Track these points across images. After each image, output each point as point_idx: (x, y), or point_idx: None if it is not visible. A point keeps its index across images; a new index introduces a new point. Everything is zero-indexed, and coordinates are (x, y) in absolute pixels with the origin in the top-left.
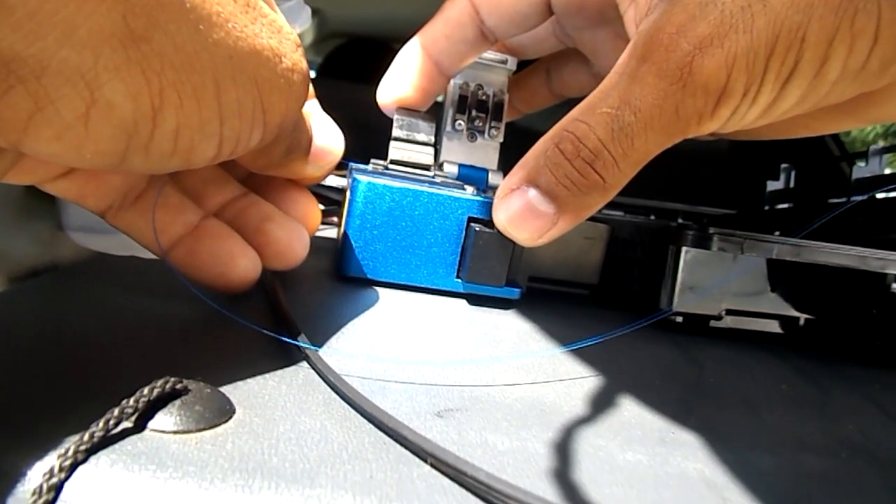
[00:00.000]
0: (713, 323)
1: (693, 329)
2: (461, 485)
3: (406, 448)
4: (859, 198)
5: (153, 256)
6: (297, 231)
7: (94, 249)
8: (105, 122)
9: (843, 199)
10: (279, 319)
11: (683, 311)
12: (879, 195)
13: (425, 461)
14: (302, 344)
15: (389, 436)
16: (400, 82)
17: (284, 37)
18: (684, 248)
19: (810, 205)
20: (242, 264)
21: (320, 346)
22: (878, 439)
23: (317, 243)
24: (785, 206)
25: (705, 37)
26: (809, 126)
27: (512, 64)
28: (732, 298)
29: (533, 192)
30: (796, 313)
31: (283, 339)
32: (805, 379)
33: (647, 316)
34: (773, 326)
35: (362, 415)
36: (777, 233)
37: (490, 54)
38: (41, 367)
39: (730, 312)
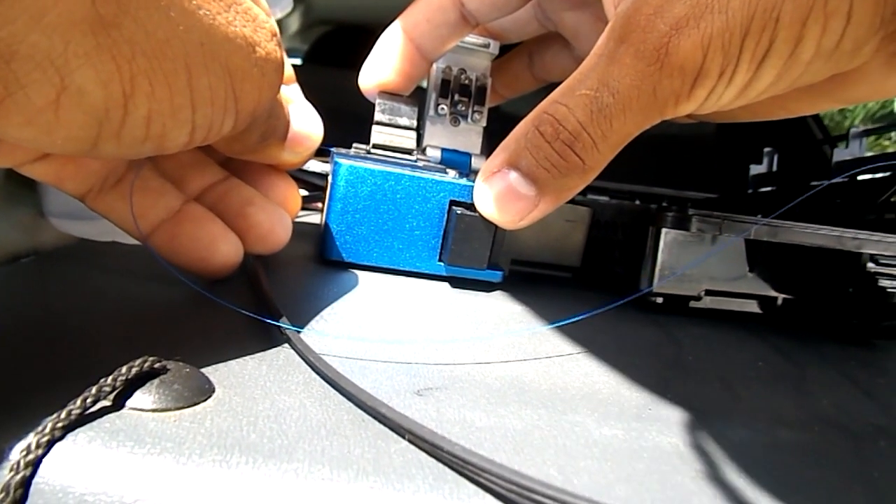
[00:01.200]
0: (693, 303)
1: (673, 309)
2: (438, 459)
3: (384, 425)
4: (838, 179)
5: (135, 242)
6: (278, 214)
7: (75, 235)
8: (76, 109)
9: (824, 182)
10: (261, 302)
11: (663, 291)
12: (861, 177)
13: (403, 437)
14: (283, 325)
15: (368, 413)
16: (382, 66)
17: (259, 25)
18: (664, 230)
19: (792, 188)
20: (224, 249)
21: (301, 327)
22: (851, 413)
23: (301, 229)
24: (768, 189)
25: (681, 18)
26: (786, 107)
27: (494, 48)
28: (711, 279)
29: (514, 175)
30: (774, 293)
31: (265, 319)
32: (782, 356)
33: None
34: (752, 307)
35: (341, 393)
36: (759, 216)
37: (472, 38)
38: (20, 348)
39: (709, 293)
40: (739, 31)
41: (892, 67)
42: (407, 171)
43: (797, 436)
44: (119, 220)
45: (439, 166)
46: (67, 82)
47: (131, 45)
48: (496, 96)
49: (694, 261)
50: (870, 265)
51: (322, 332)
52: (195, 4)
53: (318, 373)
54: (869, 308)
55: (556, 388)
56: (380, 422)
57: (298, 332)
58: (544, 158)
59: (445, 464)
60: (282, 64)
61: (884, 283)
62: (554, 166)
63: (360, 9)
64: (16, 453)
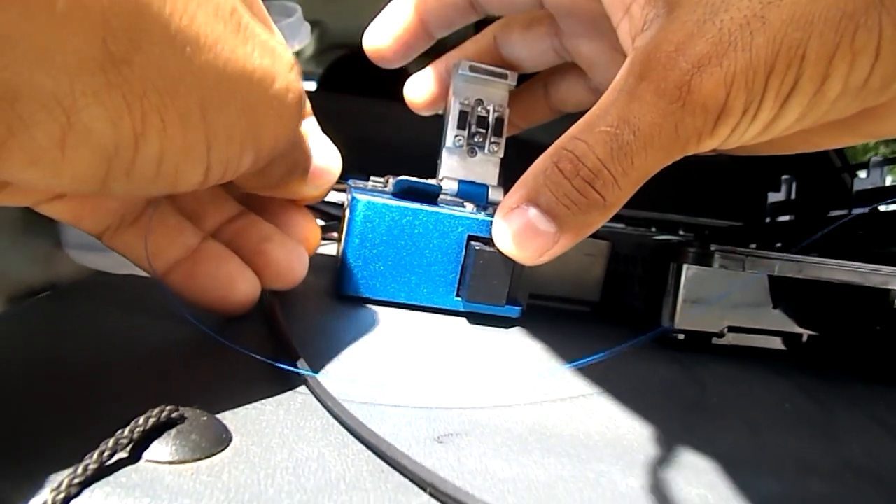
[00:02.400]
0: (715, 340)
1: (695, 346)
2: None
3: (405, 476)
4: (860, 210)
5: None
6: (296, 251)
7: (92, 268)
8: (83, 148)
9: (845, 212)
10: (277, 343)
11: (685, 327)
12: (881, 207)
13: (425, 490)
14: (302, 371)
15: (388, 463)
16: (382, 31)
17: (278, 57)
18: (685, 266)
19: (812, 217)
20: (242, 288)
21: (318, 371)
22: (884, 460)
23: (317, 260)
24: (787, 217)
25: (703, 55)
26: (810, 141)
27: (512, 79)
28: (734, 315)
29: (533, 212)
30: (799, 330)
31: (282, 366)
32: (808, 397)
33: (647, 332)
34: (776, 343)
35: (361, 441)
36: (778, 245)
37: (491, 69)
38: (35, 395)
39: (732, 329)
40: (764, 69)
41: None
42: (424, 207)
43: (829, 487)
44: (136, 259)
45: (457, 199)
46: (74, 121)
47: (143, 82)
48: (511, 127)
49: (719, 295)
50: None
51: (339, 377)
52: (212, 39)
53: (336, 419)
54: None
55: (579, 432)
56: (400, 473)
57: (315, 375)
58: (564, 195)
59: None
60: (301, 97)
61: None
62: (574, 203)
63: None
64: None
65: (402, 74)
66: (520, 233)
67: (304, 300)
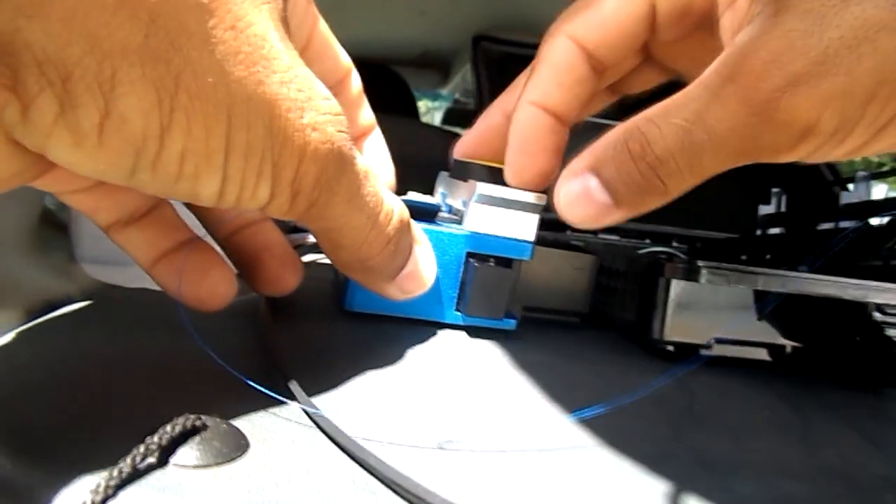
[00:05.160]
0: (703, 351)
1: (683, 357)
2: None
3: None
4: (848, 223)
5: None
6: (291, 262)
7: (105, 281)
8: (116, 135)
9: (832, 225)
10: (274, 371)
11: (674, 339)
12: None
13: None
14: (313, 411)
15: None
16: (530, 160)
17: (314, 97)
18: (674, 281)
19: (802, 230)
20: (220, 291)
21: (317, 393)
22: (858, 464)
23: (321, 274)
24: (777, 230)
25: (802, 74)
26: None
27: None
28: (721, 327)
29: (594, 182)
30: (783, 341)
31: (273, 395)
32: (789, 405)
33: (639, 345)
34: (762, 354)
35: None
36: (768, 257)
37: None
38: (63, 403)
39: (719, 341)
40: (864, 96)
41: None
42: (424, 225)
43: (804, 489)
44: (135, 255)
45: (455, 217)
46: (111, 108)
47: (176, 81)
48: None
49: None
50: (876, 314)
51: (334, 410)
52: (250, 60)
53: (347, 453)
54: (876, 357)
55: (568, 438)
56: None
57: (320, 413)
58: (626, 174)
59: None
60: (333, 141)
61: (890, 332)
62: (634, 183)
63: (373, 43)
64: None
65: (403, 88)
66: (576, 197)
67: (307, 313)
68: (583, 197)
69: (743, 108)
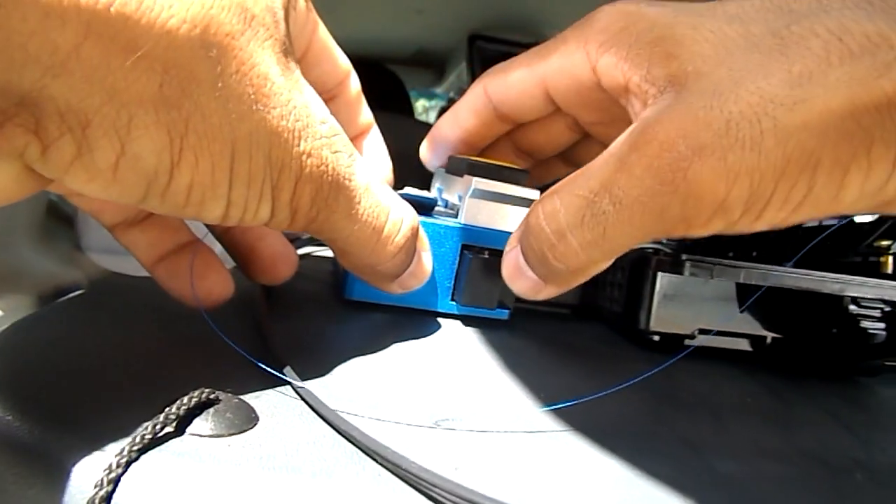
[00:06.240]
0: (687, 341)
1: (668, 347)
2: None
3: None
4: (833, 220)
5: None
6: (285, 252)
7: (110, 269)
8: (130, 171)
9: (817, 223)
10: (270, 349)
11: (659, 330)
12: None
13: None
14: (299, 384)
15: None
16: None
17: (311, 121)
18: (659, 273)
19: (788, 227)
20: (216, 291)
21: (314, 377)
22: (833, 448)
23: (321, 265)
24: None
25: (707, 145)
26: None
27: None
28: (705, 318)
29: (521, 257)
30: (764, 332)
31: (271, 371)
32: (769, 392)
33: (626, 336)
34: (744, 345)
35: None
36: (755, 254)
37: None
38: (84, 378)
39: (702, 332)
40: (773, 173)
41: None
42: (421, 218)
43: (781, 468)
44: (137, 254)
45: (451, 211)
46: (126, 149)
47: (186, 124)
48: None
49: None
50: (852, 307)
51: (324, 386)
52: (252, 99)
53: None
54: (851, 348)
55: (558, 421)
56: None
57: (301, 384)
58: (531, 249)
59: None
60: (325, 163)
61: (865, 324)
62: (541, 262)
63: (368, 42)
64: (98, 471)
65: (399, 86)
66: (510, 272)
67: (307, 302)
68: (515, 272)
69: (650, 176)
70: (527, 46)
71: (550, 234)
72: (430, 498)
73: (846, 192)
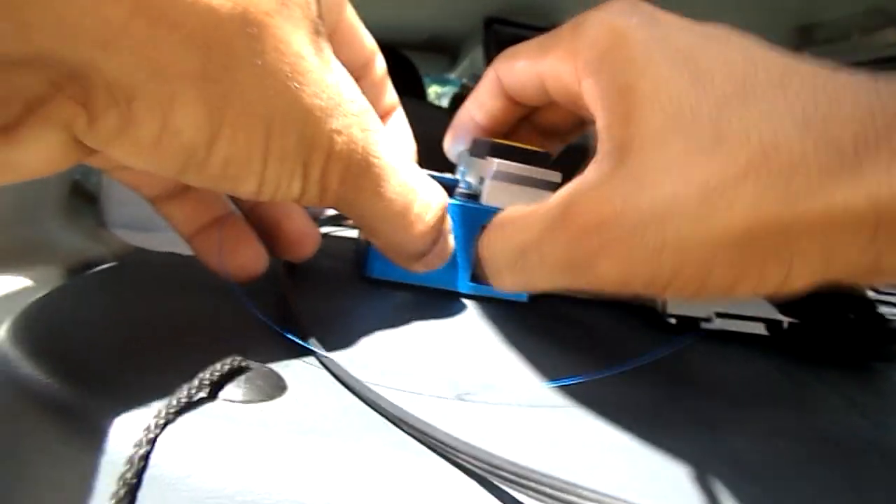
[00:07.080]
0: (704, 325)
1: (685, 330)
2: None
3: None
4: None
5: (190, 252)
6: (309, 229)
7: (135, 244)
8: (170, 145)
9: None
10: (295, 321)
11: (677, 313)
12: None
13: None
14: (322, 354)
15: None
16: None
17: (342, 100)
18: None
19: None
20: (250, 266)
21: (339, 349)
22: (846, 429)
23: (344, 245)
24: None
25: (616, 242)
26: None
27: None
28: (722, 302)
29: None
30: (781, 317)
31: (295, 340)
32: (785, 375)
33: (643, 318)
34: (760, 329)
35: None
36: None
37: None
38: (117, 345)
39: (719, 315)
40: (666, 277)
41: None
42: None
43: (793, 446)
44: (175, 225)
45: (472, 192)
46: (168, 123)
47: (225, 100)
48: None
49: None
50: (869, 293)
51: (357, 363)
52: (288, 77)
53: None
54: (868, 333)
55: (572, 399)
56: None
57: (325, 354)
58: (480, 267)
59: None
60: (354, 141)
61: (882, 309)
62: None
63: (383, 28)
64: (137, 432)
65: (413, 71)
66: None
67: (330, 280)
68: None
69: (568, 252)
70: (543, 30)
71: (490, 267)
72: (455, 464)
73: (736, 295)
